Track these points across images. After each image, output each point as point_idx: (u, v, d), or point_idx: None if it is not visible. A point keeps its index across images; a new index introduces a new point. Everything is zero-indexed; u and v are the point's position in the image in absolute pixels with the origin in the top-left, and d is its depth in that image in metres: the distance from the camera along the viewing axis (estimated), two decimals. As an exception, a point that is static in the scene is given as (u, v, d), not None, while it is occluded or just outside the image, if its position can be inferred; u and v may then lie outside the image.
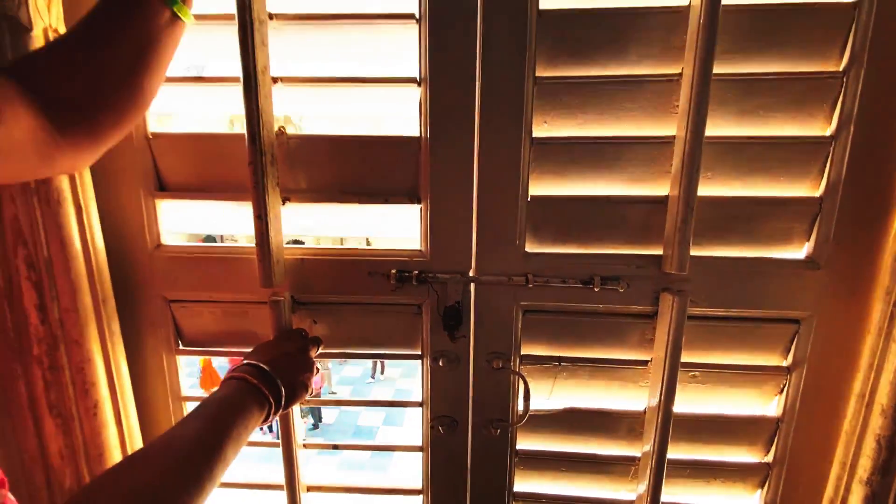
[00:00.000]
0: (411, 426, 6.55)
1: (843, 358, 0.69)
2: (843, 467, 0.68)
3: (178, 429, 0.49)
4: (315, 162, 0.70)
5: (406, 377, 7.94)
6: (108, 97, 0.47)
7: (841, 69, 0.62)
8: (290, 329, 0.71)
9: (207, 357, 4.86)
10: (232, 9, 0.58)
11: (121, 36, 0.45)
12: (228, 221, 0.76)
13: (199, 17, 0.56)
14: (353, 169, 0.71)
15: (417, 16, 0.65)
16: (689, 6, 0.61)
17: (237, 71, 0.60)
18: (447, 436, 0.77)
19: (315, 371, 0.66)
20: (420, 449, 0.79)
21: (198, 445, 0.47)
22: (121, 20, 0.45)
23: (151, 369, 0.79)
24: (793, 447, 0.72)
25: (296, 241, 0.79)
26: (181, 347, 0.79)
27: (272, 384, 0.57)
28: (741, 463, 0.76)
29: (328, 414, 6.81)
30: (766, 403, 0.74)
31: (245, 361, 0.59)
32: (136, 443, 0.77)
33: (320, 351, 0.74)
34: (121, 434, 0.74)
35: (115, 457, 0.73)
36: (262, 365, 0.58)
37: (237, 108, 0.63)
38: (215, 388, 0.56)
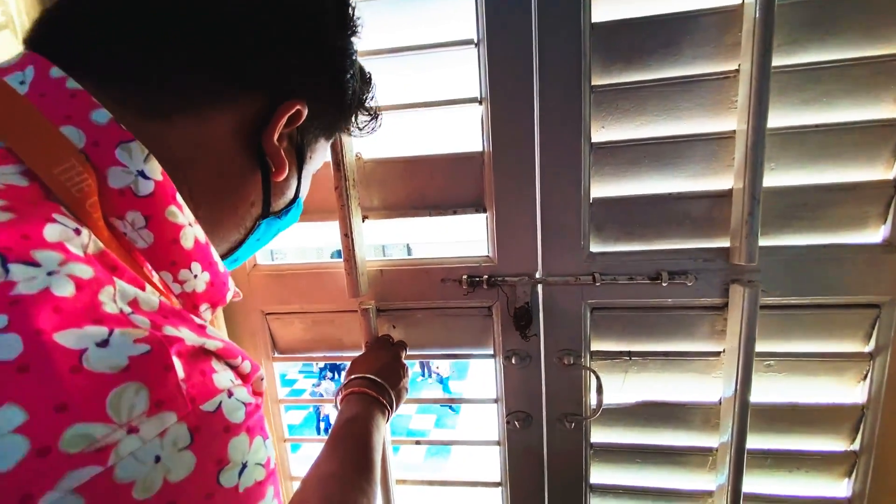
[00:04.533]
0: (464, 430, 6.60)
1: (932, 341, 0.67)
2: (939, 454, 0.66)
3: (334, 455, 0.54)
4: (389, 182, 0.77)
5: (458, 380, 8.02)
6: None
7: (908, 50, 0.62)
8: (378, 338, 0.78)
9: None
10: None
11: None
12: (315, 239, 0.84)
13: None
14: (422, 185, 0.77)
15: (476, 40, 0.70)
16: (742, 4, 0.63)
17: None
18: (523, 430, 0.81)
19: (409, 374, 0.73)
20: (497, 443, 0.84)
21: (359, 463, 0.53)
22: None
23: (252, 376, 0.88)
24: (881, 434, 0.71)
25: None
26: (276, 355, 0.88)
27: (386, 393, 0.64)
28: (826, 452, 0.75)
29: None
30: (848, 391, 0.73)
31: (354, 376, 0.66)
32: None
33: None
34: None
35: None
36: (374, 377, 0.64)
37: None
38: (342, 407, 0.63)
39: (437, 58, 0.73)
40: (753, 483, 0.77)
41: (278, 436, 0.90)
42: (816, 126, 0.66)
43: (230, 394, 0.25)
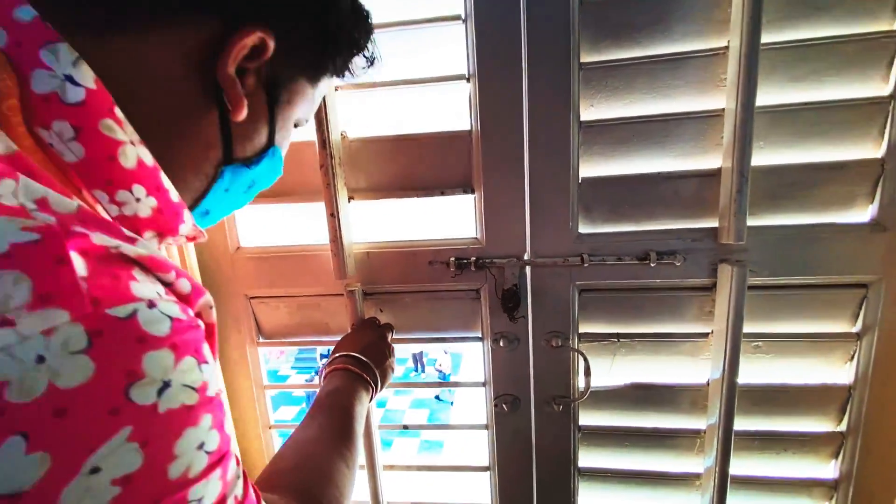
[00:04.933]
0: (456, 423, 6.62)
1: (918, 321, 0.67)
2: (925, 433, 0.66)
3: (314, 422, 0.52)
4: (375, 161, 0.76)
5: (452, 374, 8.04)
6: None
7: (895, 27, 0.61)
8: (364, 319, 0.77)
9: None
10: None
11: None
12: (299, 221, 0.83)
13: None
14: (409, 165, 0.76)
15: (463, 16, 0.69)
16: (731, -21, 0.62)
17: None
18: (511, 413, 0.81)
19: (395, 354, 0.71)
20: (485, 427, 0.83)
21: (340, 430, 0.51)
22: None
23: (236, 361, 0.87)
24: (867, 415, 0.71)
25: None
26: (261, 340, 0.86)
27: (370, 371, 0.63)
28: (813, 433, 0.75)
29: (375, 413, 7.00)
30: (835, 371, 0.73)
31: (338, 354, 0.64)
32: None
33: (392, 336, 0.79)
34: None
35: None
36: (358, 355, 0.63)
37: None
38: (324, 382, 0.61)
39: (425, 35, 0.72)
40: (742, 465, 0.76)
41: (264, 422, 0.89)
42: (805, 104, 0.65)
43: (152, 304, 0.22)
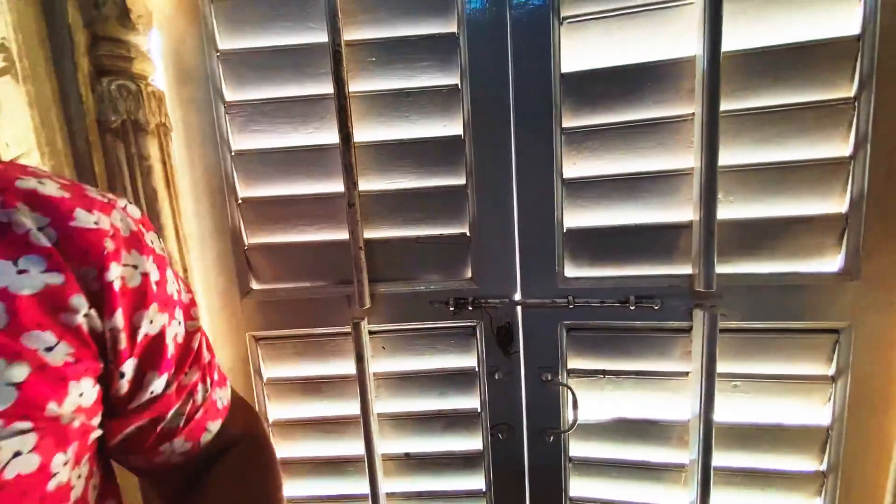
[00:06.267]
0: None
1: (890, 364, 0.71)
2: (900, 475, 0.69)
3: None
4: (382, 210, 0.85)
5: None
6: None
7: (852, 95, 0.67)
8: None
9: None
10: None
11: None
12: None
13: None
14: (412, 216, 0.84)
15: (460, 86, 0.78)
16: (694, 56, 0.69)
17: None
18: (506, 442, 0.87)
19: None
20: (482, 454, 0.89)
21: None
22: None
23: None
24: (846, 454, 0.74)
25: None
26: (267, 378, 0.94)
27: None
28: (794, 471, 0.78)
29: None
30: (816, 412, 0.77)
31: None
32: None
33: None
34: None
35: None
36: None
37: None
38: None
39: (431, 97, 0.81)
40: (729, 500, 0.80)
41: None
42: (770, 163, 0.71)
43: None
